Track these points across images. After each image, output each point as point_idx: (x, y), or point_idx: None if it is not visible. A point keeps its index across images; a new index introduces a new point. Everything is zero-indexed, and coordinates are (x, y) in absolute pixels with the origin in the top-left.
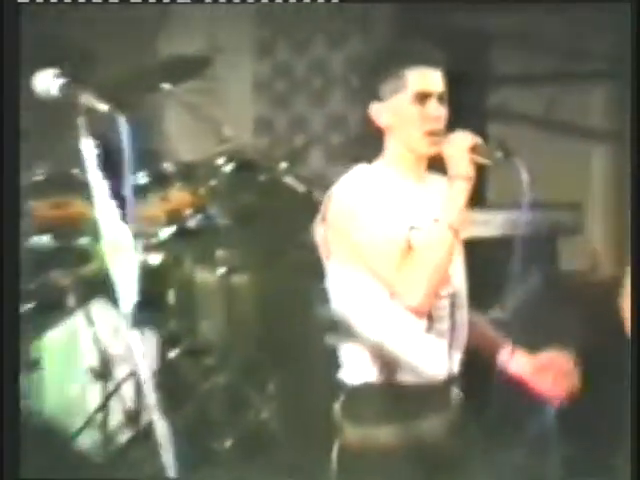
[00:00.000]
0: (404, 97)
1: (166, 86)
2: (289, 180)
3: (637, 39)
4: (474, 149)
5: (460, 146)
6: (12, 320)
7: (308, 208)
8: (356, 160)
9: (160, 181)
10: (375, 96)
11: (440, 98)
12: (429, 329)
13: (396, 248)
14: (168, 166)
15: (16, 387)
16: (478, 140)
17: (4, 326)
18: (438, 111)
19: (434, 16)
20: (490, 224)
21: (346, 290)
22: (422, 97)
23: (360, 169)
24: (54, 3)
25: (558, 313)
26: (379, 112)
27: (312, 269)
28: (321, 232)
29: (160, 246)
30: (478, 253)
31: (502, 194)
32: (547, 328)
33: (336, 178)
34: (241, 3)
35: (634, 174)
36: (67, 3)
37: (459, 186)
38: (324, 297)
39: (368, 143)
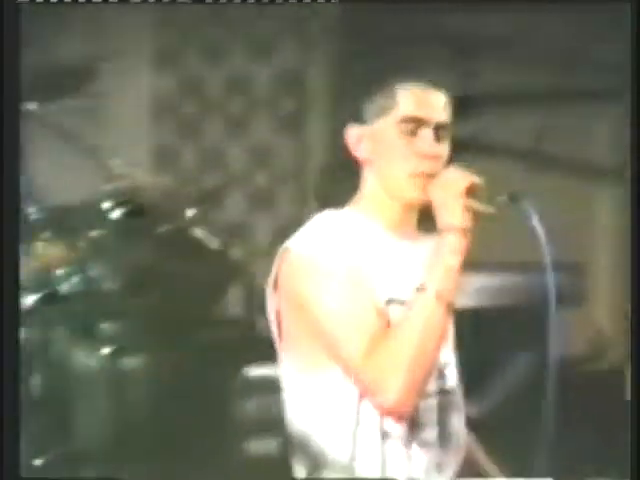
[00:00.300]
0: (390, 122)
1: (30, 106)
2: (198, 232)
3: (637, 39)
4: (471, 191)
5: (452, 187)
6: (11, 322)
7: (224, 269)
8: (323, 203)
9: (23, 231)
10: (355, 116)
11: (439, 129)
12: (410, 439)
13: (368, 326)
14: (33, 212)
15: (16, 385)
16: (476, 179)
17: (3, 327)
18: (433, 147)
19: (394, 18)
20: (481, 291)
21: (303, 387)
22: (413, 125)
23: (324, 217)
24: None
25: (548, 416)
26: (357, 138)
27: (231, 352)
28: (272, 303)
29: (22, 317)
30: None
31: (498, 251)
32: (531, 436)
33: (264, 229)
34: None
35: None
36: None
37: (451, 241)
38: (247, 390)
39: (338, 179)
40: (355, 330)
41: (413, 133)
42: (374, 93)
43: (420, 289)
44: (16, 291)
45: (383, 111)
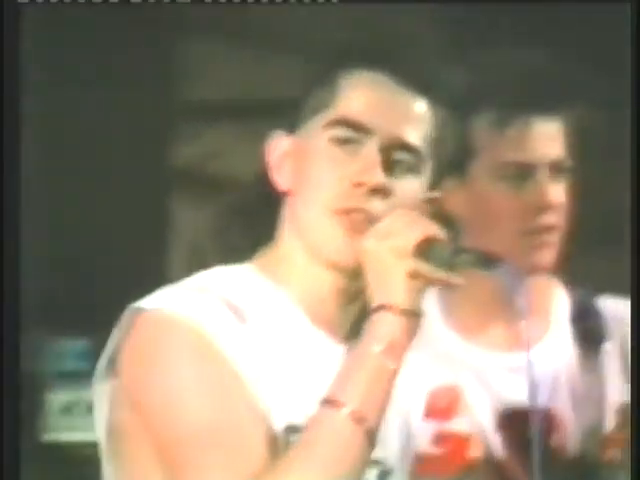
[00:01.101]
0: (319, 123)
1: None
2: None
3: (637, 39)
4: (424, 248)
5: (392, 244)
6: (11, 325)
7: None
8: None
9: None
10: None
11: (390, 149)
12: None
13: (246, 459)
14: None
15: (16, 385)
16: (435, 230)
17: (4, 329)
18: (370, 173)
19: None
20: None
21: None
22: (353, 134)
23: (207, 276)
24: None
25: None
26: (279, 156)
27: None
28: (105, 397)
29: None
30: None
31: None
32: None
33: None
34: None
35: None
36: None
37: (385, 331)
38: None
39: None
40: (225, 463)
41: (349, 147)
42: (313, 84)
43: (328, 402)
44: (16, 291)
45: (315, 110)
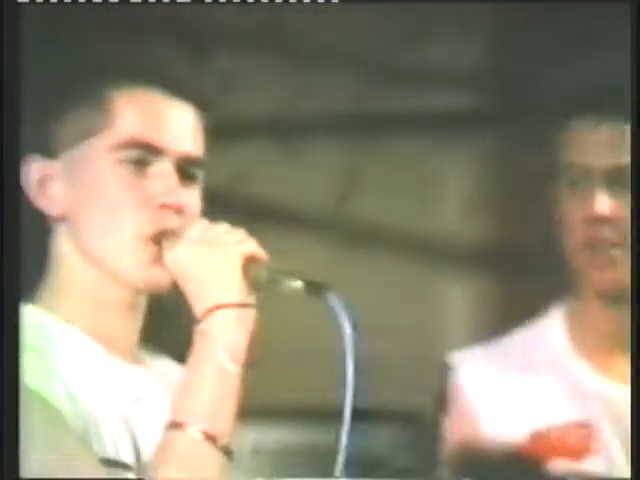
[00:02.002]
0: (99, 148)
1: None
2: None
3: (637, 39)
4: (248, 266)
5: (222, 251)
6: (11, 321)
7: None
8: None
9: None
10: (37, 143)
11: (183, 164)
12: None
13: None
14: None
15: (16, 387)
16: (252, 247)
17: (4, 328)
18: (173, 191)
19: None
20: None
21: None
22: (140, 154)
23: None
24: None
25: None
26: (40, 179)
27: None
28: None
29: None
30: None
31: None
32: None
33: None
34: None
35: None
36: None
37: (225, 331)
38: None
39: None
40: None
41: (140, 168)
42: (75, 102)
43: (173, 426)
44: (16, 291)
45: (88, 132)
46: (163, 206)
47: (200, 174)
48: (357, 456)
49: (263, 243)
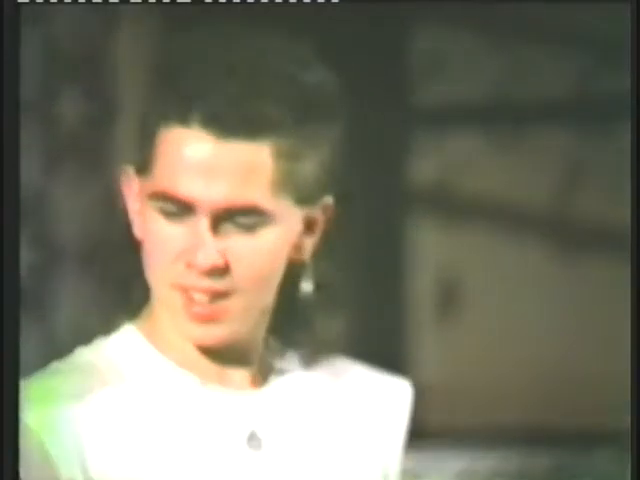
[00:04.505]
0: (143, 189)
1: None
2: None
3: (637, 39)
4: None
5: None
6: (12, 321)
7: None
8: None
9: None
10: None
11: (226, 217)
12: None
13: None
14: None
15: (15, 387)
16: None
17: (4, 327)
18: (209, 254)
19: None
20: None
21: None
22: (172, 207)
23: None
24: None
25: None
26: (129, 196)
27: None
28: None
29: None
30: None
31: None
32: None
33: None
34: None
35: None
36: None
37: None
38: None
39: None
40: None
41: (174, 220)
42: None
43: None
44: (16, 291)
45: (139, 169)
46: (190, 265)
47: (269, 221)
48: None
49: (470, 242)
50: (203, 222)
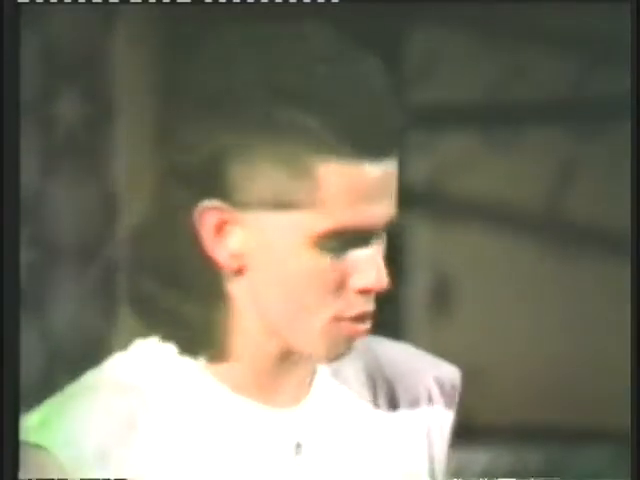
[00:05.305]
0: (299, 225)
1: None
2: None
3: (637, 39)
4: None
5: None
6: (12, 318)
7: None
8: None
9: None
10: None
11: (376, 236)
12: None
13: None
14: None
15: (15, 386)
16: None
17: (4, 327)
18: (384, 278)
19: None
20: None
21: None
22: (338, 243)
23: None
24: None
25: None
26: (217, 226)
27: None
28: None
29: None
30: None
31: None
32: None
33: None
34: None
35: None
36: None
37: None
38: None
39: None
40: None
41: (342, 253)
42: (272, 160)
43: None
44: (17, 289)
45: (289, 204)
46: (364, 291)
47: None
48: None
49: (466, 241)
50: (377, 246)
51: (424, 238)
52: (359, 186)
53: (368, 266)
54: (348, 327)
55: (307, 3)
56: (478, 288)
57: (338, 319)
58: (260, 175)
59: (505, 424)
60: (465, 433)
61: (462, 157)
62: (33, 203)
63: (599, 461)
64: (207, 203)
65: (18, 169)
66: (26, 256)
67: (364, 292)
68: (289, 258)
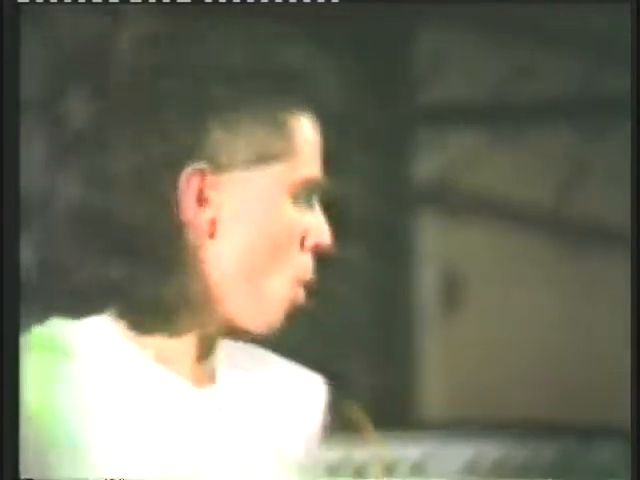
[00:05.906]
0: (277, 178)
1: None
2: None
3: (637, 39)
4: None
5: None
6: (12, 314)
7: None
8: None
9: None
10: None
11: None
12: None
13: None
14: None
15: (15, 385)
16: None
17: (4, 326)
18: (325, 232)
19: None
20: None
21: None
22: (309, 192)
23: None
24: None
25: None
26: (198, 190)
27: None
28: None
29: None
30: None
31: None
32: None
33: None
34: None
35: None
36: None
37: None
38: None
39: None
40: None
41: (303, 207)
42: (251, 117)
43: None
44: (17, 289)
45: (269, 157)
46: (317, 246)
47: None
48: None
49: (474, 239)
50: (316, 204)
51: (433, 235)
52: (315, 140)
53: (320, 224)
54: (297, 292)
55: (307, 3)
56: (487, 284)
57: (297, 281)
58: (243, 133)
59: (515, 419)
60: (476, 428)
61: (470, 155)
62: (34, 203)
63: (610, 456)
64: (195, 165)
65: (18, 169)
66: (26, 256)
67: (316, 249)
68: (270, 213)
